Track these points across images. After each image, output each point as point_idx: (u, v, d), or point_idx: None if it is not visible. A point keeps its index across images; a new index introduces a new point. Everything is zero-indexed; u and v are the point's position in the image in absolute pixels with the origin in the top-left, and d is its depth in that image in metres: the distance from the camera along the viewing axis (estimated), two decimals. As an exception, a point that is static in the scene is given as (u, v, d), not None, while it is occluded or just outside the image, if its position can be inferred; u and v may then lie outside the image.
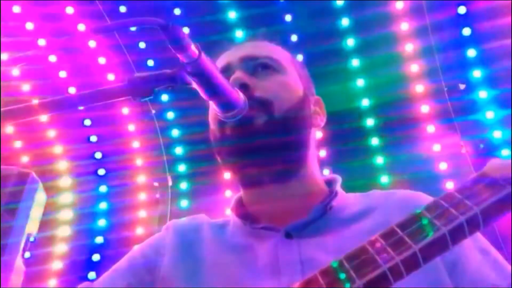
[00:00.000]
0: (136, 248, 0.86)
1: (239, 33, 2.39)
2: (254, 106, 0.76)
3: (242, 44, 0.95)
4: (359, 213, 0.79)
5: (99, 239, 2.45)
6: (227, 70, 0.84)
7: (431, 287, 0.66)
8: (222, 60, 0.89)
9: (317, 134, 0.98)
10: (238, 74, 0.81)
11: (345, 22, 2.37)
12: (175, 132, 2.60)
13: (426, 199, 0.79)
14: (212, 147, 0.87)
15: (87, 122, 2.61)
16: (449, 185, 2.09)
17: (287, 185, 0.81)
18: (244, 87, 0.77)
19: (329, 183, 0.88)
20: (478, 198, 0.45)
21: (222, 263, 0.76)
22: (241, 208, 0.87)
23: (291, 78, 0.87)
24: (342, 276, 0.42)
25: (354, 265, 0.42)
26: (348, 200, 0.84)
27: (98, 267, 2.33)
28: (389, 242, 0.43)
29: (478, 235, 0.75)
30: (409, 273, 0.42)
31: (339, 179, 0.88)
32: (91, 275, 2.31)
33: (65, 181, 2.61)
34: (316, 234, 0.76)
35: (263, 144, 0.77)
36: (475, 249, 0.72)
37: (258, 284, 0.70)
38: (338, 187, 0.85)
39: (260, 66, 0.84)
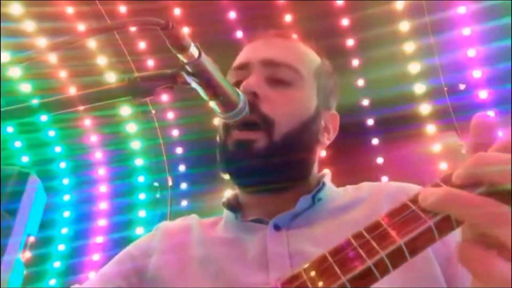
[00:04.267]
0: (124, 250, 0.85)
1: (239, 33, 2.39)
2: (256, 120, 0.77)
3: (271, 39, 0.90)
4: (347, 204, 0.79)
5: (99, 239, 2.45)
6: (244, 68, 0.83)
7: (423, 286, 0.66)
8: (244, 53, 0.88)
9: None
10: (252, 80, 0.79)
11: (345, 22, 2.37)
12: (175, 132, 2.60)
13: (416, 189, 0.78)
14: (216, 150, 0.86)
15: (87, 122, 2.61)
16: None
17: (285, 194, 0.81)
18: (253, 95, 0.77)
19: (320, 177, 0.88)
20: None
21: (211, 258, 0.76)
22: (234, 201, 0.88)
23: (304, 94, 0.84)
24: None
25: (338, 259, 0.41)
26: (337, 192, 0.84)
27: (98, 267, 2.33)
28: (372, 235, 0.42)
29: None
30: (396, 268, 0.41)
31: (328, 172, 0.88)
32: (91, 275, 2.32)
33: (65, 181, 2.61)
34: (305, 226, 0.76)
35: (262, 167, 0.77)
36: None
37: (246, 278, 0.70)
38: (326, 179, 0.85)
39: (276, 75, 0.82)
